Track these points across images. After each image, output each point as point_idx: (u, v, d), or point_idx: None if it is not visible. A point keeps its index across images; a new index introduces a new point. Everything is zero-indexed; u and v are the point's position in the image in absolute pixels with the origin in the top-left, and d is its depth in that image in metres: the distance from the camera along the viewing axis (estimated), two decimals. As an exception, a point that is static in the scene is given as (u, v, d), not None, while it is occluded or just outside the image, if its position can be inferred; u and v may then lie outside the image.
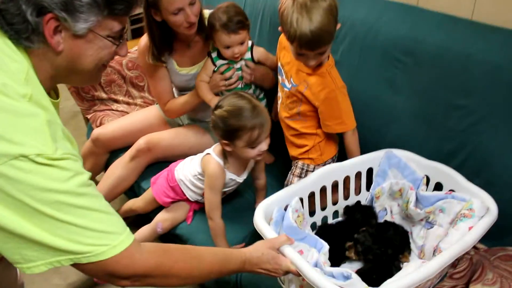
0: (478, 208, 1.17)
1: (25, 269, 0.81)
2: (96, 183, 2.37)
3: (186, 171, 1.58)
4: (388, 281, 1.03)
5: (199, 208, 1.64)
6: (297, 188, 1.32)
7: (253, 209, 1.26)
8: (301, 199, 1.33)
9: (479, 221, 1.15)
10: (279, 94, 1.59)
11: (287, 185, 1.58)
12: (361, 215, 1.42)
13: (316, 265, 1.14)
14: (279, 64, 1.58)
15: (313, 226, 1.46)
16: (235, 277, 1.41)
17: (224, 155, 1.44)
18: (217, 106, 1.37)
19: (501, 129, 1.32)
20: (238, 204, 1.67)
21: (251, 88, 1.76)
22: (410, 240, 1.37)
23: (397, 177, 1.42)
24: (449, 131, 1.44)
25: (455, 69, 1.40)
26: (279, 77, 1.58)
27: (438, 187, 1.37)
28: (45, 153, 0.77)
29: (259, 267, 1.10)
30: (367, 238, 1.30)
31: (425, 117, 1.50)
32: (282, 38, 1.58)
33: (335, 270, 1.05)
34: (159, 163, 1.82)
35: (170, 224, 1.64)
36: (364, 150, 1.50)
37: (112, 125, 1.95)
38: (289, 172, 1.60)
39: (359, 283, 1.03)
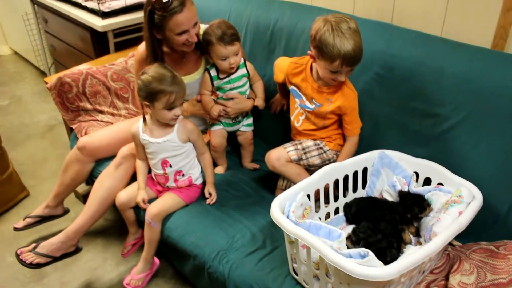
0: (466, 195, 1.30)
1: None
2: (77, 193, 2.36)
3: None
4: (398, 259, 1.11)
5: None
6: (304, 185, 1.41)
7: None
8: (308, 195, 1.42)
9: (468, 206, 1.27)
10: (298, 111, 1.70)
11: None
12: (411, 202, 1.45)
13: None
14: (292, 87, 1.69)
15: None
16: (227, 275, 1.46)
17: (145, 120, 1.67)
18: (143, 73, 1.57)
19: (473, 135, 1.44)
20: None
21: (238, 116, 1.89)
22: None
23: (389, 175, 1.54)
24: (424, 138, 1.56)
25: (428, 81, 1.52)
26: (296, 100, 1.69)
27: (427, 181, 1.49)
28: None
29: None
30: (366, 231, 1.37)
31: (402, 125, 1.62)
32: (283, 65, 1.73)
33: (352, 251, 1.11)
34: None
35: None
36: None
37: (98, 134, 1.95)
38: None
39: (375, 260, 1.10)
